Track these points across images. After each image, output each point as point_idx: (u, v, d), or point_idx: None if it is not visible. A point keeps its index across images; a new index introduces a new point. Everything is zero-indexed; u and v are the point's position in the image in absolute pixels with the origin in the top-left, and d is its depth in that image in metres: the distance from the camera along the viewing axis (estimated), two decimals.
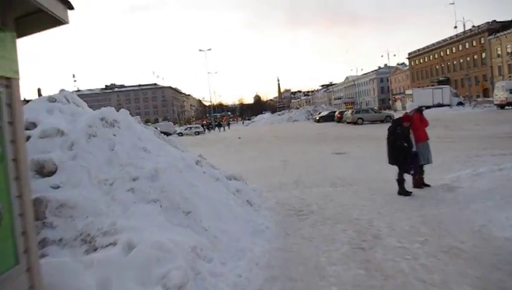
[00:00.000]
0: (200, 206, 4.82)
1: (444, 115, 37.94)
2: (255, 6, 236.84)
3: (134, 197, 4.55)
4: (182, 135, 53.27)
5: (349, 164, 12.83)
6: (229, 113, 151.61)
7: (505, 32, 77.99)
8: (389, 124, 8.56)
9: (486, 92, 76.12)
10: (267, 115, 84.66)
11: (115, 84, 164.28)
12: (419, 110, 8.80)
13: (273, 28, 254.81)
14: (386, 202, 7.39)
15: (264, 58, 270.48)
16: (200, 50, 74.87)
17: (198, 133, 54.53)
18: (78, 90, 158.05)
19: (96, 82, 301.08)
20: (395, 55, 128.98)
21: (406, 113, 8.31)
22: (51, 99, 6.42)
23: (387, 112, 44.13)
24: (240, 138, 32.96)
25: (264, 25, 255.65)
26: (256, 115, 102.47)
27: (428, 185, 8.56)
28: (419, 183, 8.39)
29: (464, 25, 51.63)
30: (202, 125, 64.74)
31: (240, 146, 24.66)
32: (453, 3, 58.40)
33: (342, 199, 7.93)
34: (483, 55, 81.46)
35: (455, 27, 52.30)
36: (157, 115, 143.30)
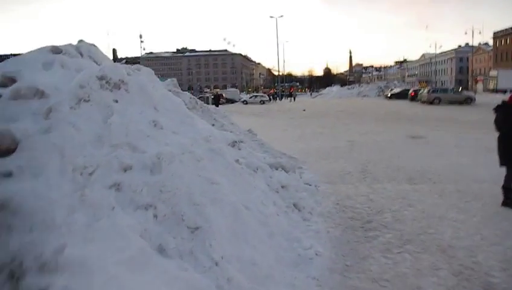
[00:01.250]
0: (216, 218, 3.19)
1: None
2: None
3: (115, 199, 3.00)
4: (246, 103, 52.06)
5: (428, 152, 10.63)
6: (298, 84, 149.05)
7: None
8: (495, 112, 6.28)
9: None
10: (335, 88, 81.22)
11: (186, 48, 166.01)
12: None
13: (347, 2, 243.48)
14: (489, 218, 5.38)
15: (337, 31, 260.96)
16: (271, 17, 71.84)
17: (263, 102, 52.95)
18: (151, 53, 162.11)
19: (168, 45, 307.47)
20: (480, 32, 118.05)
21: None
22: (55, 50, 4.99)
23: (468, 93, 39.84)
24: (304, 110, 31.01)
25: None
26: (325, 88, 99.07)
27: None
28: None
29: None
30: (268, 95, 63.05)
31: (304, 119, 22.78)
32: None
33: (424, 204, 5.99)
34: None
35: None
36: (226, 82, 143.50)
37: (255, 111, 33.36)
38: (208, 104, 48.69)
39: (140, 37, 79.40)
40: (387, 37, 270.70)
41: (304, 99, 64.95)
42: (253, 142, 8.39)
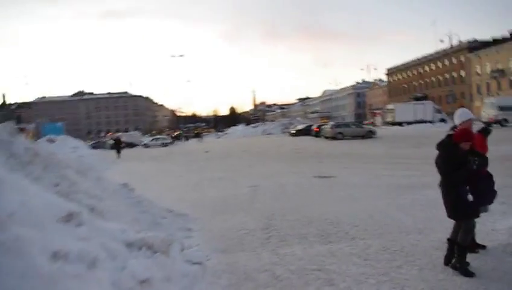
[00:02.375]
0: None
1: (430, 132, 35.21)
2: (232, 19, 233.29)
3: None
4: (147, 147, 49.24)
5: (339, 195, 9.38)
6: (203, 124, 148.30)
7: (486, 50, 77.20)
8: (440, 149, 4.87)
9: None
10: (240, 127, 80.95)
11: (83, 92, 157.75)
12: (484, 131, 5.58)
13: (250, 41, 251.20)
14: None
15: (240, 71, 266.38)
16: (172, 56, 70.67)
17: (165, 144, 50.53)
18: (43, 97, 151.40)
19: (64, 89, 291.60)
20: (375, 68, 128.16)
21: (460, 124, 4.87)
22: None
23: (369, 127, 41.24)
24: (207, 151, 29.34)
25: (240, 38, 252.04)
26: (231, 127, 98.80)
27: (483, 247, 5.22)
28: (472, 244, 5.01)
29: (450, 38, 49.50)
30: (171, 137, 60.74)
31: (205, 162, 21.03)
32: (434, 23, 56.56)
33: (347, 279, 4.40)
34: (463, 73, 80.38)
35: (441, 41, 50.57)
36: (129, 125, 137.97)
37: (155, 155, 31.02)
38: (105, 148, 45.60)
39: (25, 77, 72.97)
40: (289, 75, 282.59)
41: (210, 140, 63.60)
42: (124, 202, 6.38)
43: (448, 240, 4.70)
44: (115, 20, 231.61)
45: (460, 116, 4.94)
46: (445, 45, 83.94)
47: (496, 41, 78.38)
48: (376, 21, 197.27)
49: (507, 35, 78.42)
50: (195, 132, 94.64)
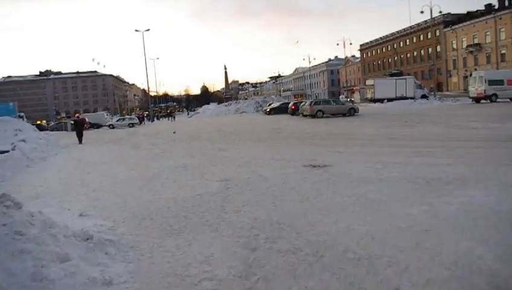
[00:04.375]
0: None
1: (415, 108, 33.03)
2: None
3: None
4: (113, 128, 45.52)
5: (347, 195, 6.51)
6: (174, 103, 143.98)
7: (461, 24, 75.66)
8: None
9: (440, 86, 73.56)
10: (212, 106, 77.23)
11: (50, 71, 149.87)
12: None
13: (220, 19, 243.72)
14: None
15: (212, 49, 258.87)
16: (136, 30, 65.85)
17: (132, 125, 46.87)
18: (8, 77, 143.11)
19: (30, 68, 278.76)
20: (351, 43, 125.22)
21: None
22: None
23: (351, 103, 38.68)
24: (175, 132, 26.15)
25: (210, 16, 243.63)
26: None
27: None
28: None
29: (431, 10, 47.07)
30: (139, 117, 56.93)
31: (170, 145, 17.94)
32: None
33: None
34: (438, 48, 78.72)
35: (421, 12, 47.55)
36: (97, 105, 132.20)
37: (118, 137, 27.58)
38: (67, 130, 41.77)
39: None
40: (261, 53, 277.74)
41: (181, 119, 60.24)
42: None
43: None
44: None
45: None
46: (421, 18, 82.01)
47: (471, 15, 76.97)
48: None
49: (482, 8, 77.06)
50: (168, 111, 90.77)
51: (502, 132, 14.21)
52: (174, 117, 58.66)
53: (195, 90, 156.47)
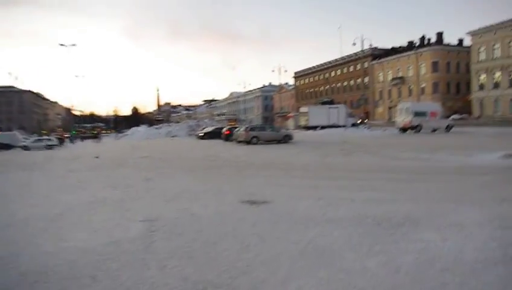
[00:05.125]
0: None
1: (347, 136, 33.52)
2: (134, 15, 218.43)
3: None
4: (28, 149, 41.90)
5: (296, 242, 5.60)
6: (102, 124, 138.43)
7: (387, 58, 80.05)
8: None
9: (368, 116, 76.73)
10: (142, 128, 74.44)
11: None
12: None
13: (154, 39, 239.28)
14: None
15: (145, 69, 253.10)
16: (60, 44, 62.25)
17: (50, 147, 43.53)
18: None
19: None
20: (286, 70, 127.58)
21: None
22: None
23: (286, 130, 38.59)
24: (97, 157, 24.17)
25: (144, 34, 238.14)
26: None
27: None
28: None
29: (363, 43, 49.04)
30: (59, 138, 53.21)
31: (90, 172, 16.20)
32: (339, 27, 56.44)
33: None
34: (366, 79, 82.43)
35: (354, 44, 49.48)
36: (13, 123, 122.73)
37: (28, 161, 24.98)
38: None
39: None
40: (196, 76, 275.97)
41: (109, 142, 57.17)
42: None
43: None
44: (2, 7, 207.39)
45: None
46: (351, 51, 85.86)
47: (395, 51, 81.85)
48: (285, 26, 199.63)
49: (405, 44, 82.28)
50: (93, 132, 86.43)
51: (434, 164, 14.28)
52: (100, 138, 55.42)
53: (126, 111, 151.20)
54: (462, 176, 11.47)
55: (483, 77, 62.78)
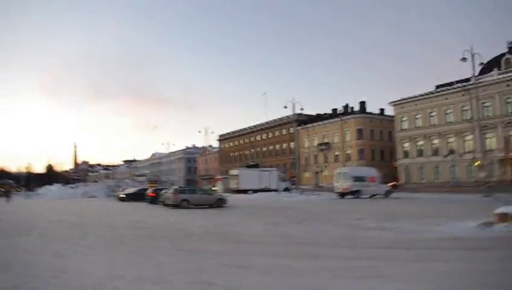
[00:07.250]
0: None
1: (283, 201, 31.69)
2: (52, 70, 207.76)
3: None
4: None
5: None
6: (12, 181, 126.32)
7: (313, 124, 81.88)
8: None
9: (294, 180, 76.53)
10: (56, 187, 67.51)
11: None
12: None
13: (72, 95, 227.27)
14: None
15: (61, 126, 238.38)
16: None
17: None
18: None
19: None
20: (213, 132, 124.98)
21: None
22: None
23: (220, 194, 35.97)
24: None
25: (61, 90, 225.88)
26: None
27: None
28: None
29: (294, 106, 49.03)
30: None
31: None
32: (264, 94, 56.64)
33: None
34: (292, 144, 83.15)
35: (285, 107, 49.20)
36: None
37: None
38: None
39: None
40: (115, 136, 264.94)
41: (18, 201, 50.50)
42: None
43: None
44: None
45: None
46: (277, 116, 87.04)
47: (320, 117, 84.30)
48: (208, 90, 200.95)
49: (329, 111, 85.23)
50: (3, 189, 77.52)
51: (410, 235, 12.32)
52: (9, 197, 48.79)
53: (41, 169, 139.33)
54: (462, 251, 9.69)
55: (407, 144, 65.48)
